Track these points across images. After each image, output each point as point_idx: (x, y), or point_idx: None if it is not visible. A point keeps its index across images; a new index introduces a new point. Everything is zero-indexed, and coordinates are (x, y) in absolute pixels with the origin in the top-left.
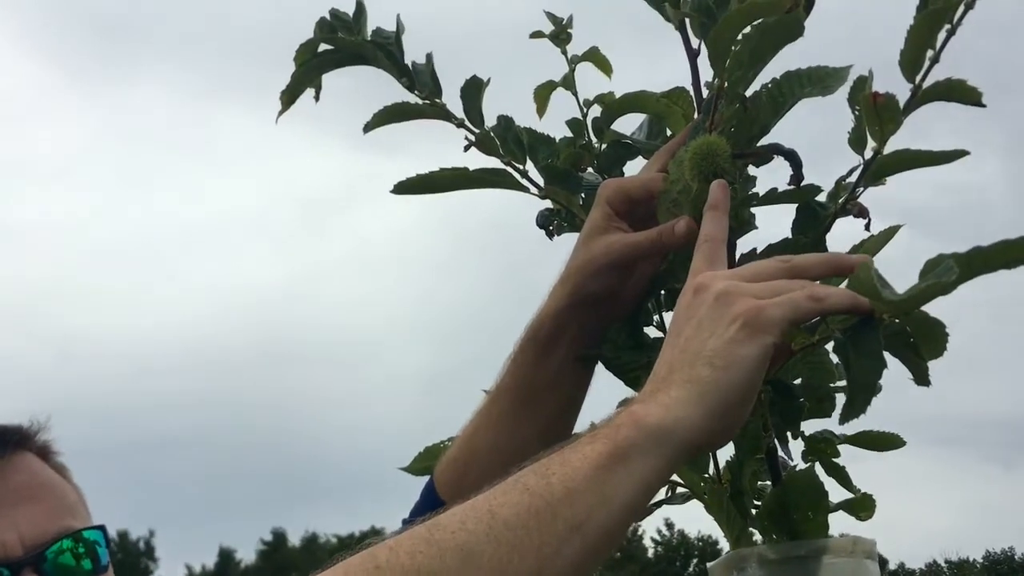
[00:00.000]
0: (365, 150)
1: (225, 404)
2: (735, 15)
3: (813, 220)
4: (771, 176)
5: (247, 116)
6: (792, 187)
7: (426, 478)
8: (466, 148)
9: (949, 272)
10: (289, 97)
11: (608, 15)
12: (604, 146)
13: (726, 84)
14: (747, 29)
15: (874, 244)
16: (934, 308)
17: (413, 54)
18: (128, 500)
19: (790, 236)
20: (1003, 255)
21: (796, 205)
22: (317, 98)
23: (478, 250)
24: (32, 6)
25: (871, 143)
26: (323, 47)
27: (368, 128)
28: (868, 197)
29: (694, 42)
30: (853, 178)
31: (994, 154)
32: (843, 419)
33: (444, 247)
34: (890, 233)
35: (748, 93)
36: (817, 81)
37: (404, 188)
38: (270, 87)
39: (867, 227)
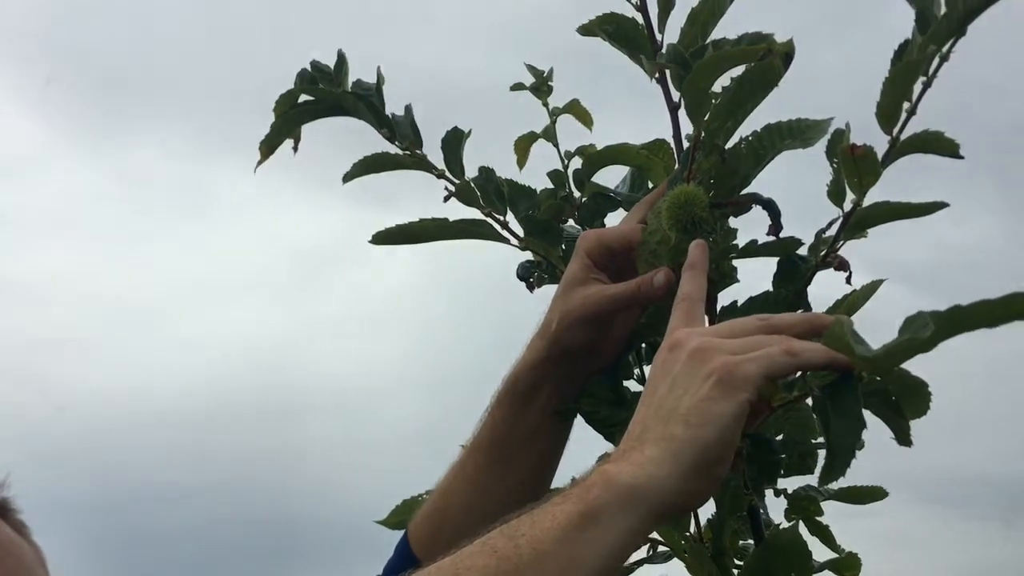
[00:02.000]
0: (365, 204)
1: (221, 457)
2: (707, 64)
3: (794, 273)
4: (753, 228)
5: (246, 171)
6: (771, 237)
7: (402, 532)
8: (446, 199)
9: (925, 328)
10: (268, 148)
11: (593, 69)
12: (585, 198)
13: (702, 135)
14: (727, 81)
15: (857, 298)
16: (928, 366)
17: (394, 106)
18: (122, 554)
19: (771, 289)
20: (984, 314)
21: (777, 258)
22: (295, 149)
23: (477, 301)
24: (32, 64)
25: (850, 195)
26: (304, 98)
27: (347, 178)
28: (856, 251)
29: (674, 94)
30: (833, 231)
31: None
32: (822, 481)
33: (442, 299)
34: (873, 287)
35: (730, 144)
36: (798, 133)
37: (383, 238)
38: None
39: (848, 280)
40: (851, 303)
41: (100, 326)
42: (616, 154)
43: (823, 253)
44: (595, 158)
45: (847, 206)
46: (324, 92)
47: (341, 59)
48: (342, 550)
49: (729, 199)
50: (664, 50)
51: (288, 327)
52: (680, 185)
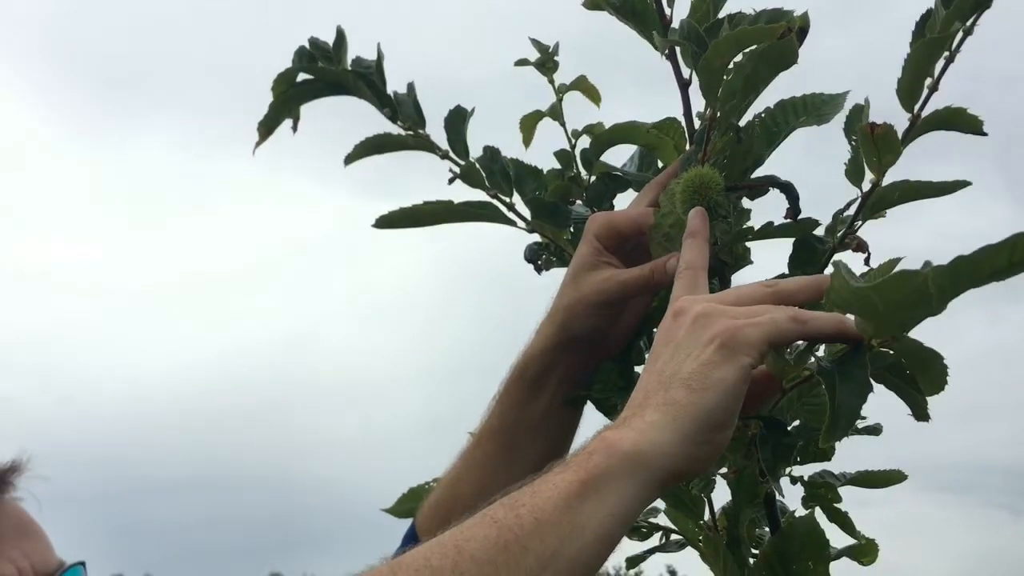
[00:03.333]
0: (372, 194)
1: (226, 449)
2: (725, 42)
3: (811, 255)
4: (768, 209)
5: (250, 163)
6: (788, 220)
7: (409, 521)
8: (450, 180)
9: (924, 267)
10: (266, 128)
11: (599, 47)
12: (593, 178)
13: (718, 114)
14: (739, 57)
15: (875, 277)
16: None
17: (395, 85)
18: (125, 544)
19: (787, 272)
20: (988, 262)
21: (793, 239)
22: (295, 129)
23: (485, 285)
24: (38, 63)
25: (869, 175)
26: (302, 77)
27: (349, 160)
28: (870, 233)
29: (684, 71)
30: (851, 211)
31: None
32: (824, 440)
33: (446, 285)
34: (890, 266)
35: (742, 123)
36: (812, 109)
37: (387, 222)
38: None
39: (867, 261)
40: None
41: (104, 318)
42: (625, 133)
43: (841, 234)
44: (603, 137)
45: (866, 186)
46: (323, 71)
47: (340, 36)
48: (355, 540)
49: (746, 182)
50: (676, 25)
51: (296, 318)
52: (695, 167)
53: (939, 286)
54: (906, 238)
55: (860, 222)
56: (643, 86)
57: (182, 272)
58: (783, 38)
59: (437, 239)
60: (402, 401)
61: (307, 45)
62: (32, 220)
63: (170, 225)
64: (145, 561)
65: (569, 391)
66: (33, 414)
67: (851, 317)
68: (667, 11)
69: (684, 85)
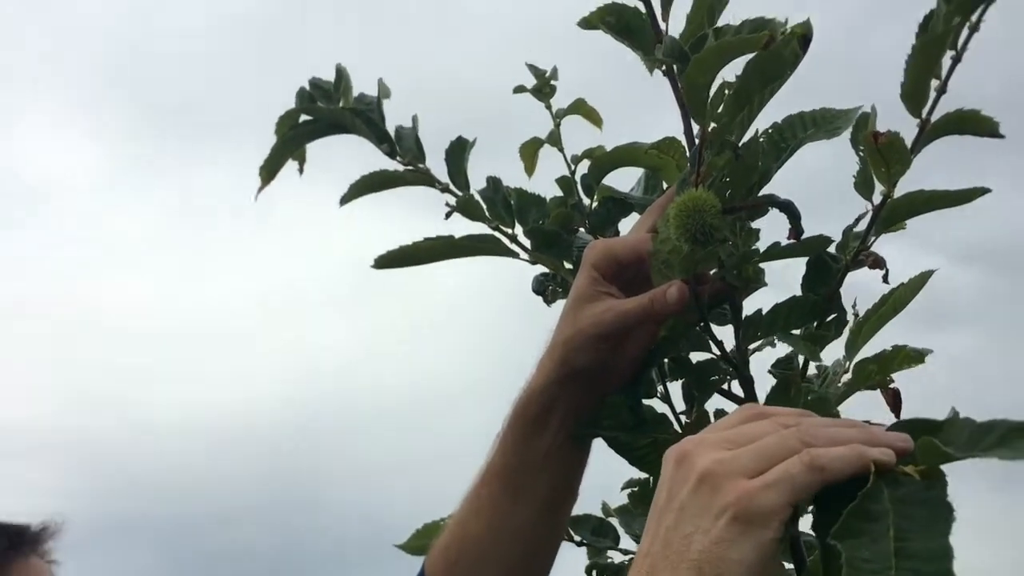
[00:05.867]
0: (424, 211)
1: (295, 475)
2: (706, 57)
3: (825, 274)
4: (778, 227)
5: (304, 187)
6: (792, 241)
7: (422, 558)
8: (447, 215)
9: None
10: (268, 172)
11: (604, 65)
12: (596, 204)
13: (709, 131)
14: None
15: (904, 293)
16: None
17: (401, 118)
18: (203, 570)
19: (799, 293)
20: None
21: (807, 259)
22: (301, 171)
23: (531, 302)
24: (95, 97)
25: (879, 187)
26: (304, 118)
27: (344, 200)
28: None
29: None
30: (863, 226)
31: None
32: None
33: (503, 299)
34: (922, 280)
35: (746, 139)
36: (823, 124)
37: (385, 261)
38: (318, 157)
39: (885, 279)
40: (898, 299)
41: (175, 350)
42: (624, 155)
43: (855, 251)
44: (603, 161)
45: (877, 198)
46: (321, 110)
47: (339, 74)
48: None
49: (743, 202)
50: (663, 42)
51: (354, 340)
52: (688, 190)
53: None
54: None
55: (873, 237)
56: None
57: (246, 299)
58: (768, 47)
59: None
60: (461, 420)
61: (307, 86)
62: (106, 255)
63: (231, 252)
64: None
65: (574, 427)
66: (111, 447)
67: (873, 451)
68: (662, 26)
69: (683, 102)
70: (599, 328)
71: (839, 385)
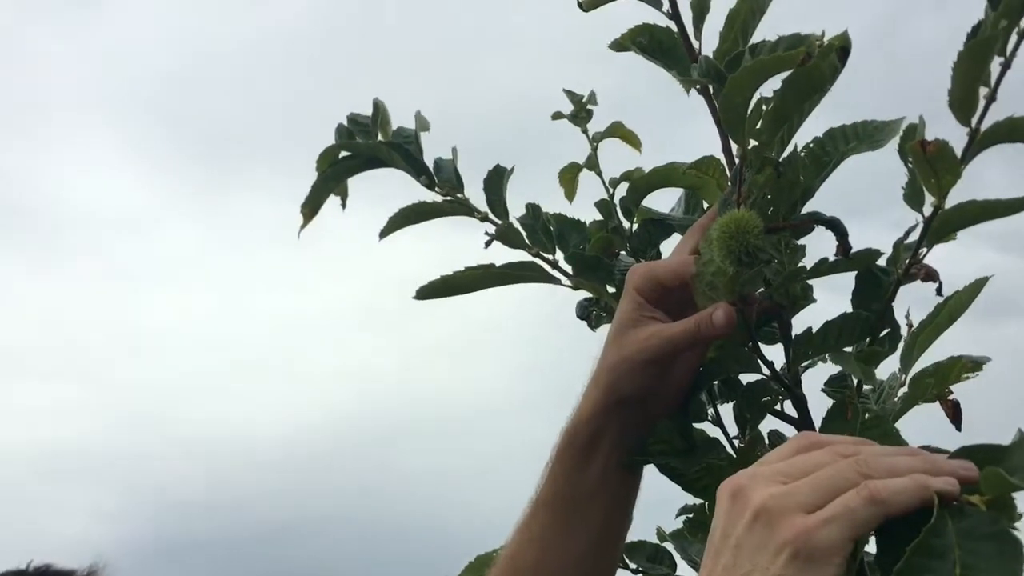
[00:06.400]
0: (465, 232)
1: (340, 491)
2: (742, 76)
3: (876, 289)
4: (825, 243)
5: (347, 207)
6: (842, 257)
7: None
8: (487, 244)
9: None
10: (310, 209)
11: (642, 79)
12: (636, 227)
13: (748, 150)
14: (777, 84)
15: (960, 301)
16: None
17: (442, 149)
18: None
19: (850, 310)
20: None
21: (856, 273)
22: (344, 206)
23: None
24: (142, 128)
25: (929, 198)
26: (344, 153)
27: (384, 234)
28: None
29: None
30: (914, 237)
31: None
32: None
33: (541, 316)
34: (978, 287)
35: (786, 154)
36: (865, 136)
37: (427, 292)
38: (367, 180)
39: (939, 291)
40: (954, 307)
41: (219, 370)
42: (662, 176)
43: (906, 264)
44: (640, 183)
45: (927, 210)
46: (359, 146)
47: (376, 109)
48: None
49: (787, 222)
50: (699, 62)
51: (398, 358)
52: (731, 211)
53: None
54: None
55: (925, 249)
56: None
57: (292, 319)
58: (805, 63)
59: None
60: (515, 430)
61: (345, 122)
62: (150, 278)
63: (277, 274)
64: None
65: (624, 455)
66: (161, 465)
67: (936, 481)
68: (695, 44)
69: (720, 121)
70: (645, 354)
71: (895, 400)
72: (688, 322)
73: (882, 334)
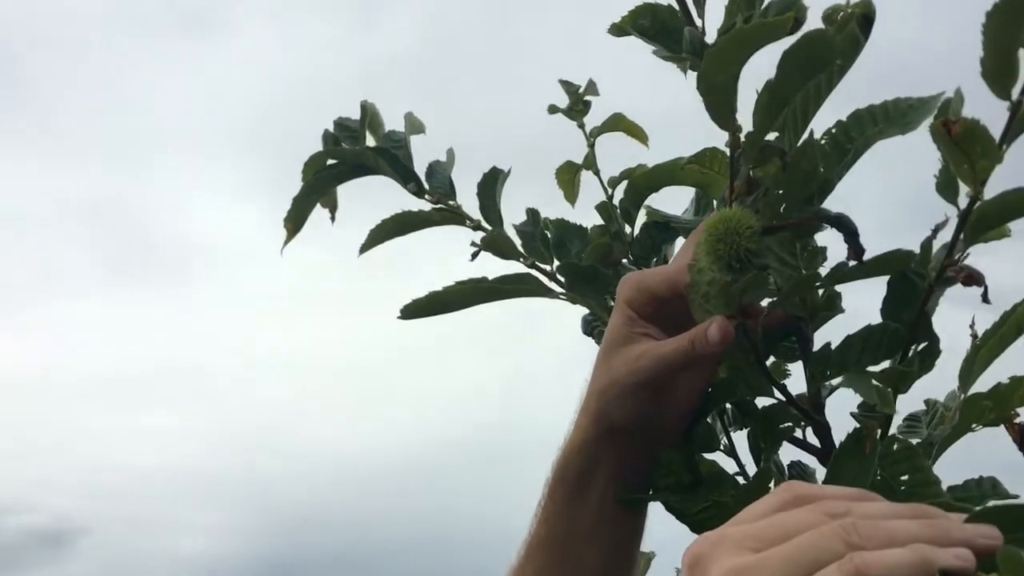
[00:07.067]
0: None
1: (459, 508)
2: (722, 48)
3: (911, 294)
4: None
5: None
6: (854, 262)
7: None
8: (473, 255)
9: None
10: (293, 224)
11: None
12: (637, 231)
13: (742, 140)
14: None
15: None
16: None
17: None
18: None
19: (880, 320)
20: None
21: (889, 278)
22: (333, 219)
23: None
24: (260, 159)
25: (964, 188)
26: (331, 161)
27: (364, 249)
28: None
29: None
30: (948, 236)
31: None
32: None
33: None
34: None
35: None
36: (896, 118)
37: (412, 311)
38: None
39: (985, 297)
40: (1013, 327)
41: (335, 390)
42: (663, 174)
43: (940, 266)
44: (640, 182)
45: (963, 202)
46: (343, 152)
47: (364, 112)
48: None
49: (787, 220)
50: (684, 35)
51: (509, 375)
52: (722, 210)
53: None
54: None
55: (963, 248)
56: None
57: (400, 340)
58: (794, 32)
59: None
60: None
61: (332, 128)
62: (269, 304)
63: (385, 297)
64: None
65: (622, 490)
66: (280, 485)
67: (943, 554)
68: (698, 23)
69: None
70: (635, 376)
71: (944, 426)
72: (682, 339)
73: (918, 348)
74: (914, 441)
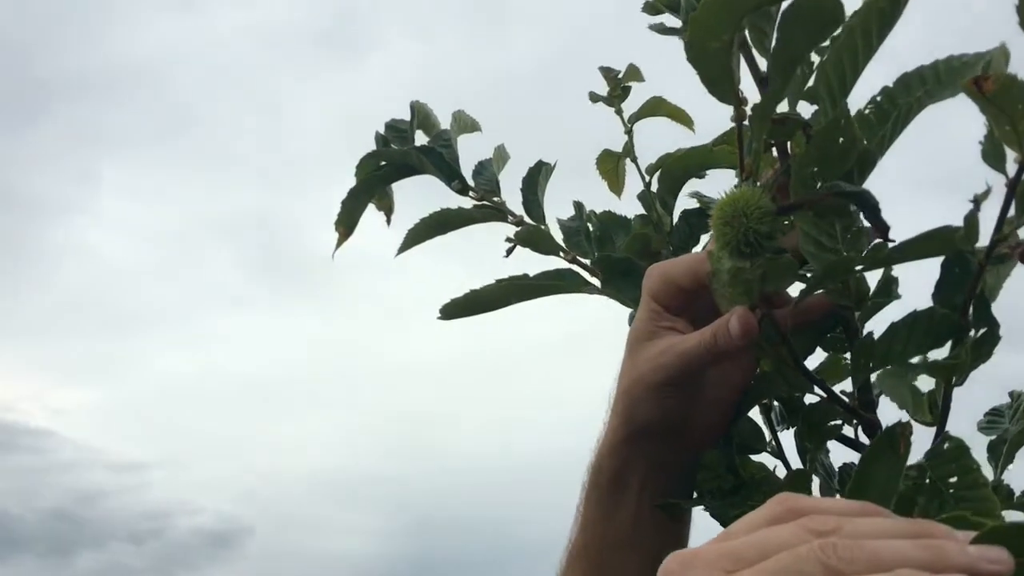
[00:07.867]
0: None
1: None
2: (709, 12)
3: (964, 276)
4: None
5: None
6: (878, 240)
7: None
8: (508, 252)
9: None
10: (345, 227)
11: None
12: (677, 220)
13: (749, 110)
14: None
15: None
16: None
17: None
18: None
19: (929, 305)
20: None
21: (943, 259)
22: (388, 221)
23: None
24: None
25: (1011, 153)
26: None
27: (402, 249)
28: None
29: (761, 63)
30: (996, 206)
31: None
32: None
33: None
34: None
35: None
36: (947, 78)
37: (451, 311)
38: None
39: None
40: None
41: (465, 394)
42: (700, 158)
43: (992, 241)
44: (675, 167)
45: (1011, 169)
46: (390, 153)
47: (414, 112)
48: None
49: (804, 198)
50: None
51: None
52: (731, 190)
53: None
54: None
55: (1017, 221)
56: None
57: (532, 341)
58: None
59: None
60: None
61: (382, 130)
62: (401, 314)
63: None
64: None
65: (658, 494)
66: (421, 486)
67: None
68: None
69: (761, 80)
70: (659, 373)
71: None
72: (704, 332)
73: (977, 335)
74: (991, 438)
